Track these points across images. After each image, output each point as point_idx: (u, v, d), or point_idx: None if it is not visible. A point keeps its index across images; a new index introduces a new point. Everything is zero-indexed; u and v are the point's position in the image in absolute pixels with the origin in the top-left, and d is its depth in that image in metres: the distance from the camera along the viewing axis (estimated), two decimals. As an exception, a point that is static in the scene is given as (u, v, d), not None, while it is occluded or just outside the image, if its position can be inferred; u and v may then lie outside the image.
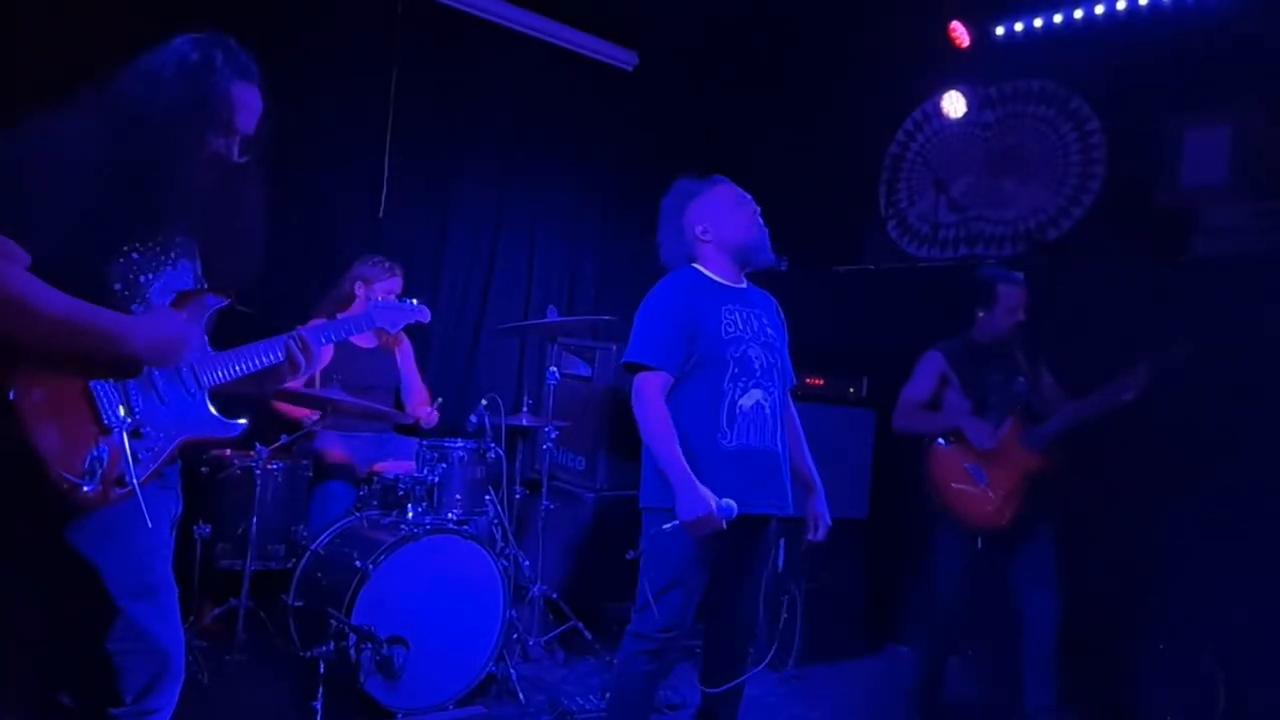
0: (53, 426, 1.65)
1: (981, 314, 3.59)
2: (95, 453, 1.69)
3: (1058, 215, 4.77)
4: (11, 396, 1.61)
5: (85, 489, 1.66)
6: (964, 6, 4.85)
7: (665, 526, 2.50)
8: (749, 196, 2.80)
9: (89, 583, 1.72)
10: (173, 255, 1.87)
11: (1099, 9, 4.49)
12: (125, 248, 1.78)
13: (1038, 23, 4.72)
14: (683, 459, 2.48)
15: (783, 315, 2.91)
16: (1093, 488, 3.76)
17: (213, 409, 1.95)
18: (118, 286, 1.76)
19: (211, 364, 1.93)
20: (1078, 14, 4.56)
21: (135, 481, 1.74)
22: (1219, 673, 3.31)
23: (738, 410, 2.59)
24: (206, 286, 1.96)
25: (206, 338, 1.95)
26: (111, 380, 1.75)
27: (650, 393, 2.57)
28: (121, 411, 1.74)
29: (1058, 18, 4.64)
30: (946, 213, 5.17)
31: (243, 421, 2.01)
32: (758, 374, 2.63)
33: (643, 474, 2.65)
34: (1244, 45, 3.96)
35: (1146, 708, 3.47)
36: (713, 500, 2.41)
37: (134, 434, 1.77)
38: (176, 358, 1.79)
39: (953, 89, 4.89)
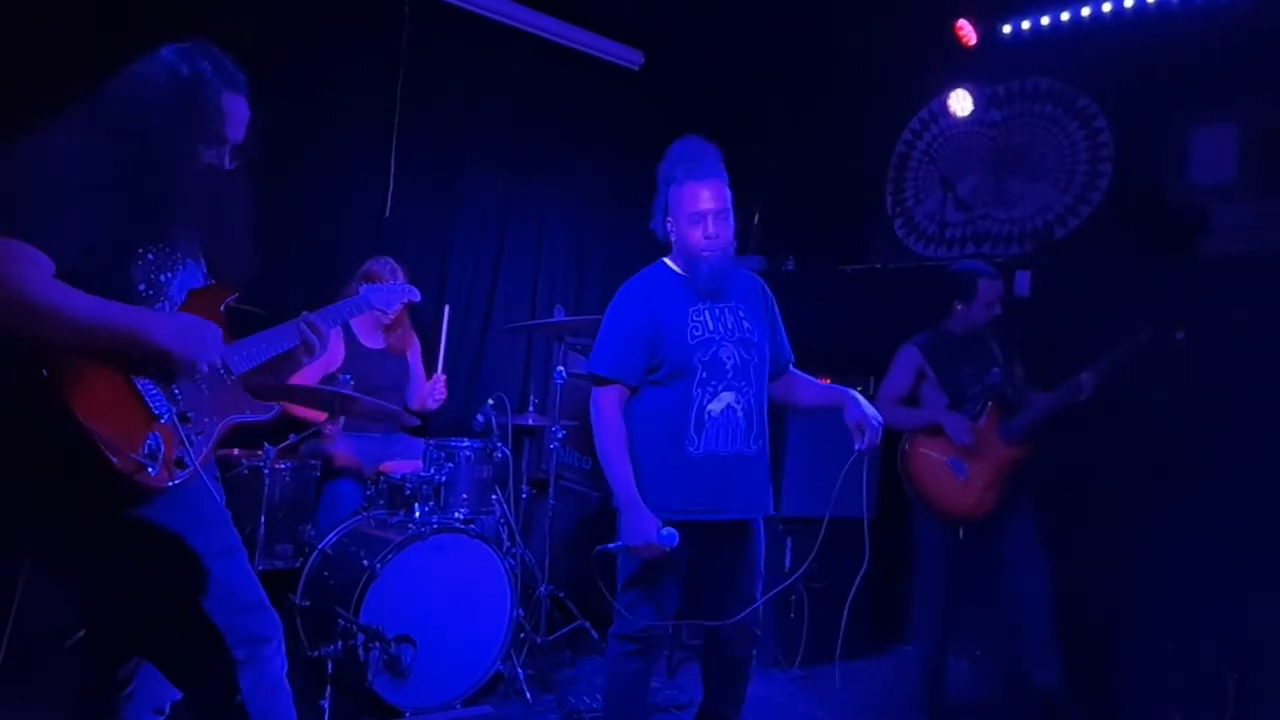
0: (107, 420, 1.69)
1: (960, 306, 3.62)
2: (151, 439, 1.75)
3: (1065, 214, 4.76)
4: (64, 395, 1.65)
5: (150, 471, 1.72)
6: (971, 5, 4.84)
7: (610, 546, 2.49)
8: (709, 208, 2.53)
9: (175, 549, 1.80)
10: (180, 255, 1.92)
11: (1106, 7, 4.49)
12: (140, 249, 1.83)
13: (1045, 21, 4.72)
14: (631, 481, 2.46)
15: (770, 295, 2.79)
16: (1096, 485, 3.75)
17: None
18: (141, 287, 1.82)
19: (236, 351, 1.98)
20: (1085, 12, 4.56)
21: (195, 460, 1.81)
22: (1229, 673, 3.29)
23: (706, 416, 2.53)
24: (214, 283, 2.01)
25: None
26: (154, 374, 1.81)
27: (605, 406, 2.55)
28: (167, 399, 1.80)
29: (1065, 16, 4.63)
30: (953, 212, 5.16)
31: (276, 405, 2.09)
32: (729, 375, 2.56)
33: None
34: (1252, 44, 3.95)
35: (1153, 708, 3.45)
36: (655, 527, 2.39)
37: (182, 419, 1.83)
38: (205, 351, 1.82)
39: (959, 87, 4.88)
